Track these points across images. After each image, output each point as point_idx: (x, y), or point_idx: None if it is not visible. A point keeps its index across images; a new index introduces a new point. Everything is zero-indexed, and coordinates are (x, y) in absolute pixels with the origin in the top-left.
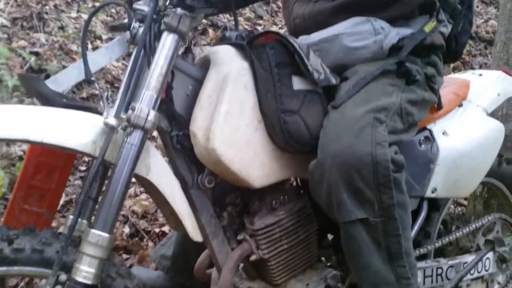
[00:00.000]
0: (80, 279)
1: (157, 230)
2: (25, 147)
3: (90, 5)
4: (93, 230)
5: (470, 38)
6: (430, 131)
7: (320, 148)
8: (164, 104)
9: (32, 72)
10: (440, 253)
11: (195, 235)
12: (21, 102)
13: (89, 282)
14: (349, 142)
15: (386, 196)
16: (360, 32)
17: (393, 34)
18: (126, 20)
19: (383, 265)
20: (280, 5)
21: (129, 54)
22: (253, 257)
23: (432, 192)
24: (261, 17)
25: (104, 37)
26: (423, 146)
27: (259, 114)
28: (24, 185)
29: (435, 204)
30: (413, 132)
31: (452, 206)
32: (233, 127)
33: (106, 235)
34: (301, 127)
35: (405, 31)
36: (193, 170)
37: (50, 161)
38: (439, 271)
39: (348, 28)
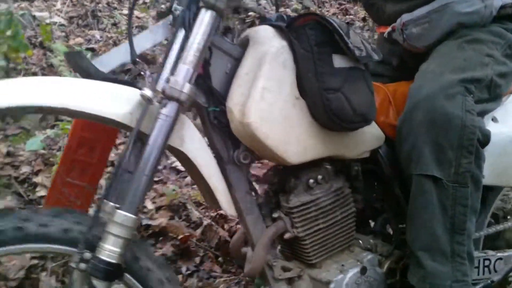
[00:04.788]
0: (103, 257)
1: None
2: None
3: (140, 1)
4: (119, 211)
5: None
6: None
7: (411, 95)
8: (202, 80)
9: None
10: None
11: (229, 209)
12: None
13: (112, 260)
14: (442, 103)
15: (465, 160)
16: None
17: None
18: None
19: (444, 232)
20: None
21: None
22: (287, 235)
23: None
24: (308, 8)
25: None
26: None
27: (297, 92)
28: (68, 159)
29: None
30: (498, 103)
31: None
32: (269, 102)
33: (131, 215)
34: (344, 104)
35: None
36: (229, 146)
37: (92, 136)
38: (487, 262)
39: None
